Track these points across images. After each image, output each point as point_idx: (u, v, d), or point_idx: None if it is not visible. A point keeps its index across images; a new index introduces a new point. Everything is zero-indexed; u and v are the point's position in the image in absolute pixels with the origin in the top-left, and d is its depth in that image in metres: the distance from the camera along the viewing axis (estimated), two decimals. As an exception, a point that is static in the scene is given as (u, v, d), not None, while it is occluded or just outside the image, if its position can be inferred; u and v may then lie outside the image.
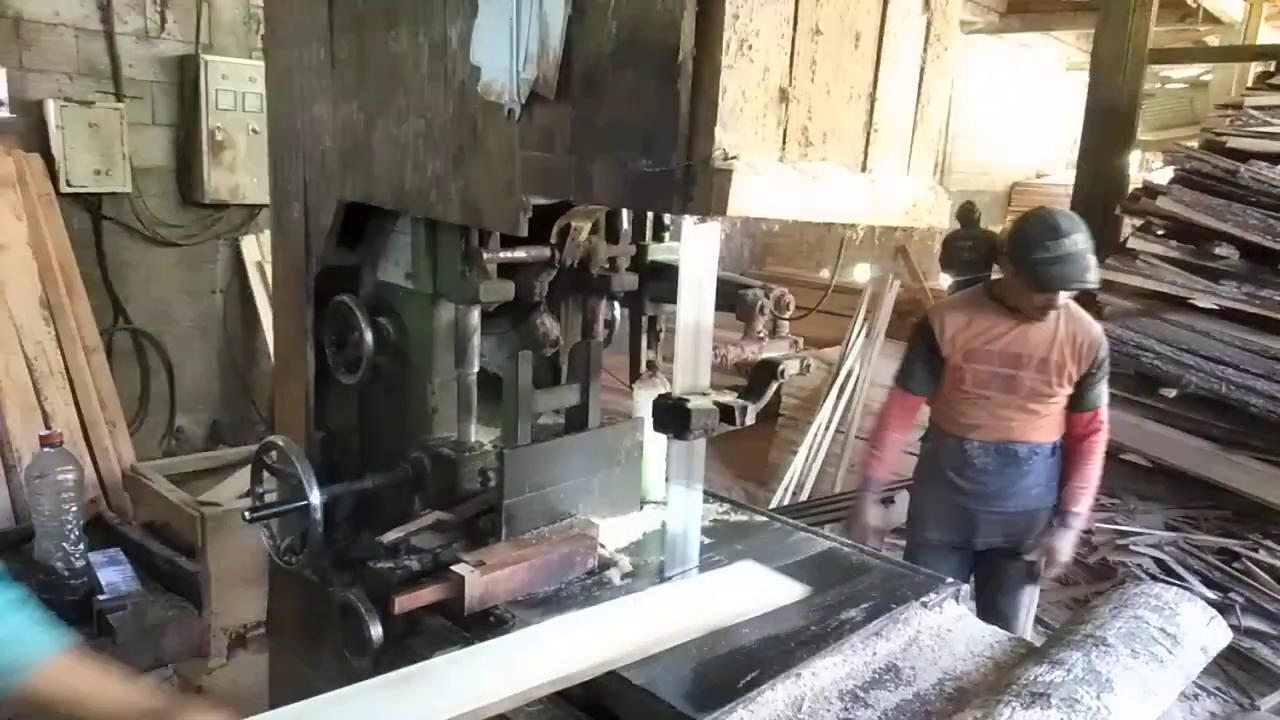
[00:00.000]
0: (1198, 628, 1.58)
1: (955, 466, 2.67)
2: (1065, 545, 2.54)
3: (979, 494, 2.66)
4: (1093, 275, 2.45)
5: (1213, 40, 8.96)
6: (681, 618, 1.58)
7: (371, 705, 1.32)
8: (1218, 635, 1.62)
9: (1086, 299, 3.00)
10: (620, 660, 1.45)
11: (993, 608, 2.69)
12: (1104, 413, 2.63)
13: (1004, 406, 2.58)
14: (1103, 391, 2.60)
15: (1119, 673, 1.41)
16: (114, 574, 2.41)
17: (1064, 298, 2.48)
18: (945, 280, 7.92)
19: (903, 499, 3.37)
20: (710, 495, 2.10)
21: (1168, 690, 1.44)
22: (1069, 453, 2.66)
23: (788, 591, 1.71)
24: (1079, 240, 2.42)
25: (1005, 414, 2.58)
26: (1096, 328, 2.59)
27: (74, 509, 2.21)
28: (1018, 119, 11.90)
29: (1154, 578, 3.98)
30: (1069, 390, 2.58)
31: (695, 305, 1.61)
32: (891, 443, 2.77)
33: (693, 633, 1.55)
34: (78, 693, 1.24)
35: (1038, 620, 3.65)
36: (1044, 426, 2.62)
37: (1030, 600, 2.76)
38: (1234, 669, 3.56)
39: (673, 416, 1.58)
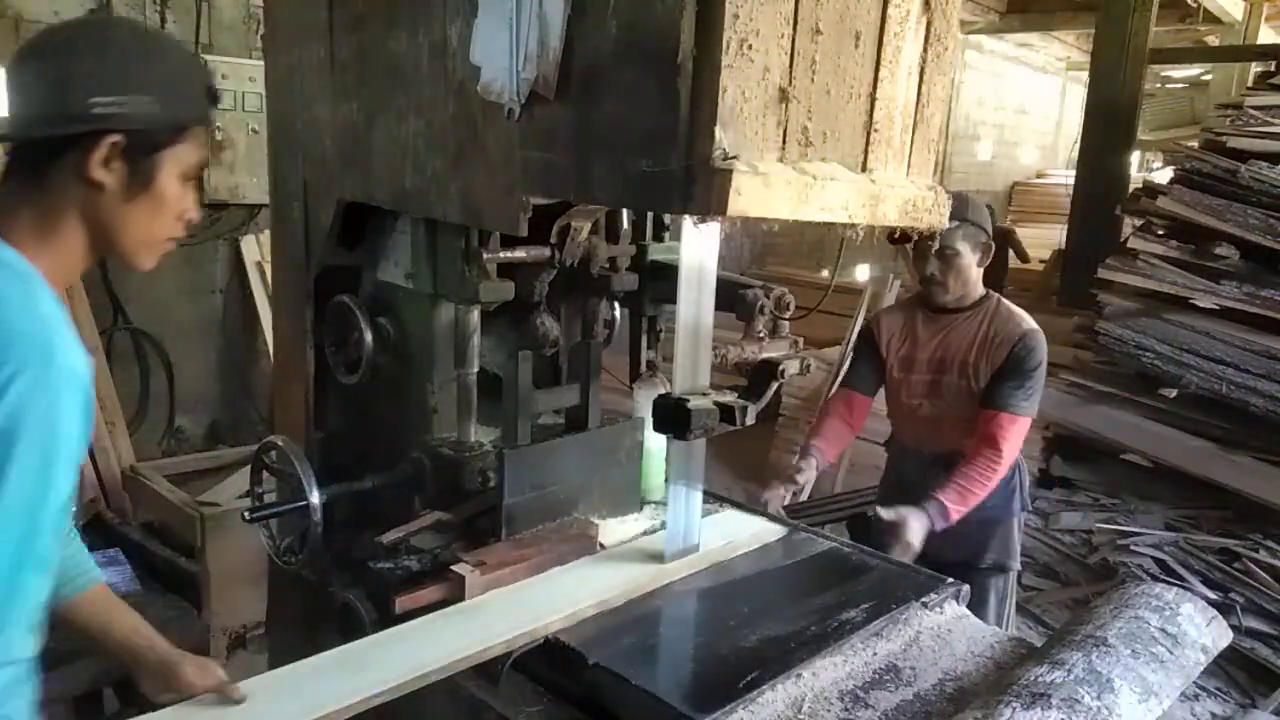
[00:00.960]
0: (1198, 628, 1.57)
1: (907, 479, 2.60)
2: (916, 528, 2.20)
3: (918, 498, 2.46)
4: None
5: (1213, 40, 8.97)
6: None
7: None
8: (1219, 635, 1.61)
9: (1089, 304, 2.92)
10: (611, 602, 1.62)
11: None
12: (1007, 422, 2.34)
13: (939, 416, 2.51)
14: (1011, 395, 2.34)
15: (1120, 673, 1.40)
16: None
17: (934, 265, 2.40)
18: None
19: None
20: (710, 495, 2.10)
21: (1168, 690, 1.43)
22: (968, 453, 2.40)
23: (771, 530, 1.87)
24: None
25: (942, 424, 2.50)
26: (1021, 327, 2.41)
27: (73, 509, 2.21)
28: (1018, 119, 11.90)
29: (1154, 578, 3.98)
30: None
31: (695, 305, 1.61)
32: (832, 433, 2.66)
33: (681, 571, 1.72)
34: (110, 620, 1.43)
35: (1037, 620, 3.66)
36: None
37: (1000, 614, 2.61)
38: (1234, 669, 3.56)
39: (673, 416, 1.58)
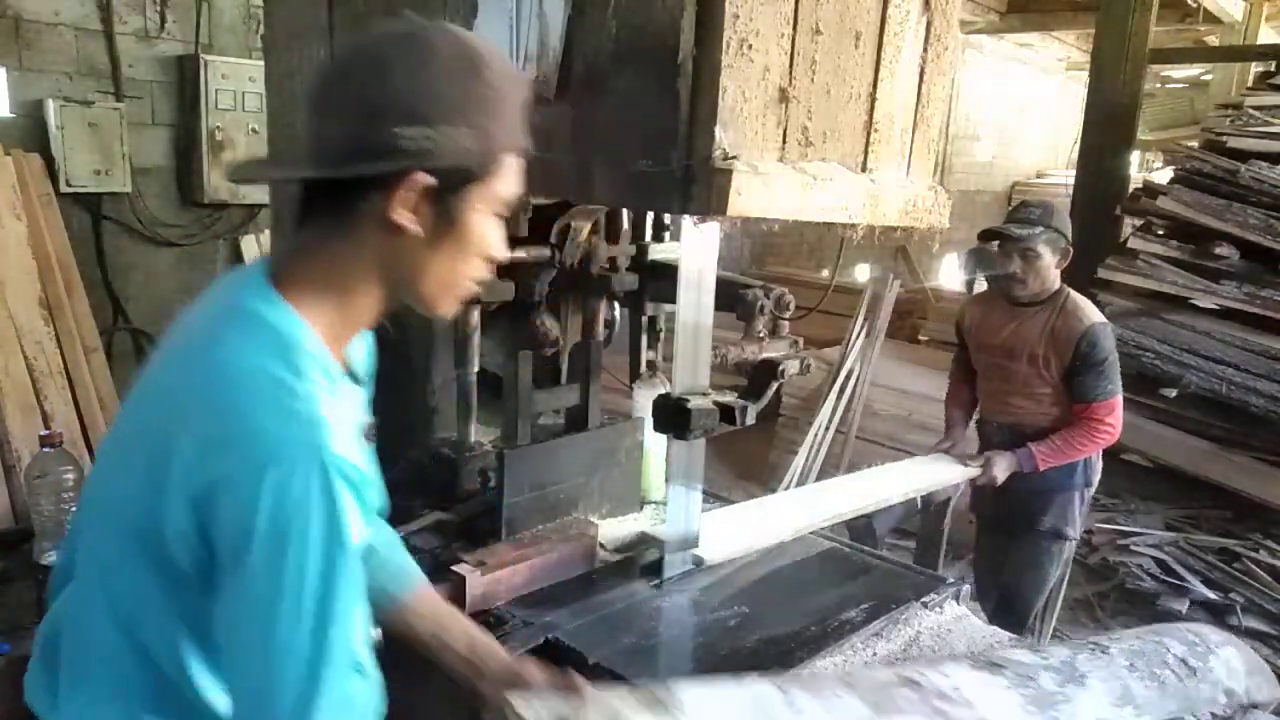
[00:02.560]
0: (1232, 673, 1.51)
1: (986, 444, 2.91)
2: (1000, 466, 2.64)
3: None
4: (1016, 229, 2.68)
5: (1213, 40, 8.96)
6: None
7: None
8: (1258, 688, 1.53)
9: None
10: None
11: (1011, 583, 2.85)
12: (1102, 410, 2.65)
13: (1009, 393, 2.80)
14: (1094, 386, 2.64)
15: (1102, 676, 1.37)
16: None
17: (1017, 264, 2.69)
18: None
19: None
20: (710, 495, 2.10)
21: (1156, 709, 1.40)
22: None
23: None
24: (1028, 213, 2.74)
25: (1012, 400, 2.80)
26: (1083, 323, 2.66)
27: (73, 509, 2.21)
28: (1018, 119, 11.90)
29: (1154, 578, 3.98)
30: (1060, 382, 2.71)
31: (695, 305, 1.61)
32: (958, 399, 3.05)
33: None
34: (445, 631, 1.32)
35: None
36: (1050, 414, 2.75)
37: (1047, 579, 2.85)
38: (1234, 669, 3.56)
39: (673, 416, 1.58)
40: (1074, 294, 2.78)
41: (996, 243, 2.74)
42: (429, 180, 0.94)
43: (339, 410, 0.95)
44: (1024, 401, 2.77)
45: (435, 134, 0.93)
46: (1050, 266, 2.73)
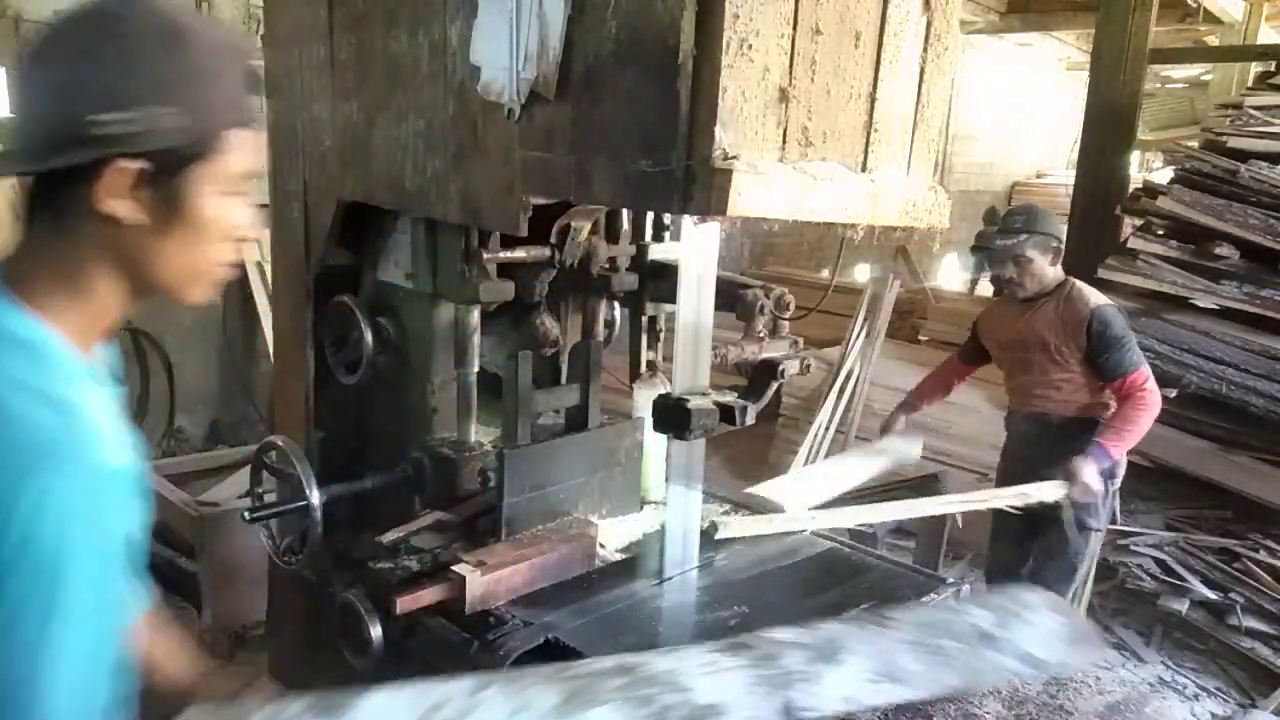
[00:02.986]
0: (1043, 641, 1.37)
1: (1013, 435, 3.12)
2: (1086, 469, 2.62)
3: (1028, 458, 2.96)
4: (1000, 241, 2.87)
5: (1213, 40, 8.96)
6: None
7: None
8: (1072, 656, 1.43)
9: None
10: None
11: (1040, 573, 2.90)
12: (1137, 378, 2.75)
13: (1029, 384, 2.98)
14: (1120, 360, 2.75)
15: (867, 650, 1.28)
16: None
17: (1010, 270, 2.87)
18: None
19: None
20: (710, 495, 2.10)
21: (924, 681, 1.29)
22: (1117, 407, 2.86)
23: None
24: (1012, 222, 2.90)
25: (1033, 390, 2.96)
26: (1087, 307, 2.82)
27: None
28: (1018, 119, 11.90)
29: (1154, 577, 3.98)
30: (1080, 366, 2.86)
31: (695, 305, 1.62)
32: (927, 388, 3.27)
33: None
34: (151, 659, 1.26)
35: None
36: (1071, 400, 2.90)
37: (1075, 568, 2.91)
38: (1234, 669, 3.56)
39: (673, 416, 1.58)
40: (1078, 283, 2.95)
41: (986, 255, 2.99)
42: (137, 166, 0.88)
43: (101, 414, 0.91)
44: (1045, 390, 2.92)
45: (136, 116, 0.87)
46: (1044, 267, 2.88)
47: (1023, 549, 2.99)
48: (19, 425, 0.85)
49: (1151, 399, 2.76)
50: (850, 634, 1.32)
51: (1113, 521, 4.49)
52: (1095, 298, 2.89)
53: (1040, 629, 1.38)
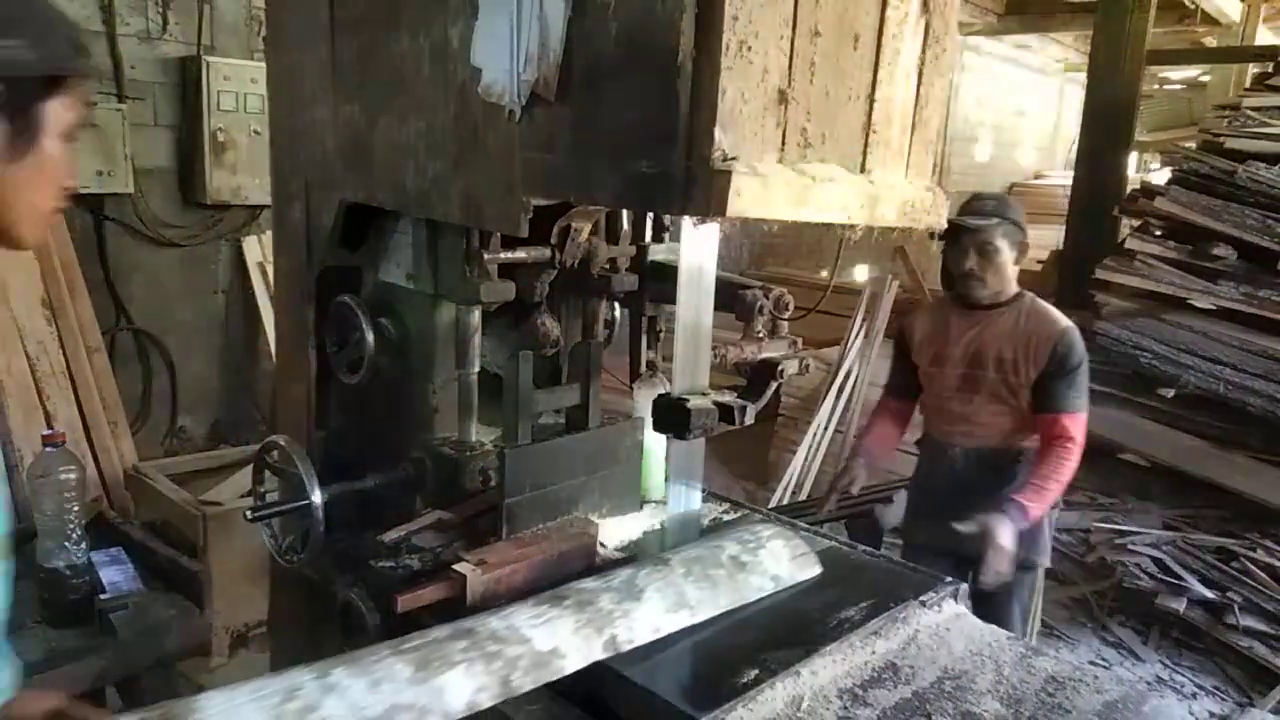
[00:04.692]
0: (778, 561, 1.72)
1: (939, 470, 2.65)
2: (1001, 531, 2.23)
3: (962, 497, 2.54)
4: (972, 220, 2.45)
5: (1210, 41, 8.98)
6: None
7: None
8: (800, 570, 1.75)
9: (1086, 304, 2.99)
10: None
11: (984, 617, 2.64)
12: (1074, 422, 2.43)
13: (974, 410, 2.57)
14: (1065, 395, 2.43)
15: (658, 586, 1.52)
16: (116, 573, 2.41)
17: (973, 260, 2.49)
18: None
19: (901, 500, 3.37)
20: (710, 495, 2.11)
21: (709, 606, 1.57)
22: (1038, 453, 2.50)
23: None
24: (983, 205, 2.51)
25: (977, 418, 2.57)
26: (1057, 326, 2.48)
27: (76, 508, 2.21)
28: (1016, 120, 11.91)
29: (1151, 577, 3.99)
30: (1026, 390, 2.52)
31: (694, 305, 1.62)
32: (878, 435, 2.79)
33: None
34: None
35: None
36: (1017, 430, 2.57)
37: (1024, 609, 2.65)
38: (1232, 668, 3.57)
39: (672, 416, 1.59)
40: (1038, 298, 2.59)
41: (945, 241, 2.50)
42: None
43: None
44: (992, 418, 2.54)
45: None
46: (1009, 263, 2.53)
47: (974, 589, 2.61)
48: None
49: (1077, 451, 2.41)
50: (641, 574, 1.55)
51: (1085, 530, 4.47)
52: (1063, 317, 2.54)
53: (777, 553, 1.72)
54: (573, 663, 1.37)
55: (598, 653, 1.41)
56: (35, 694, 1.18)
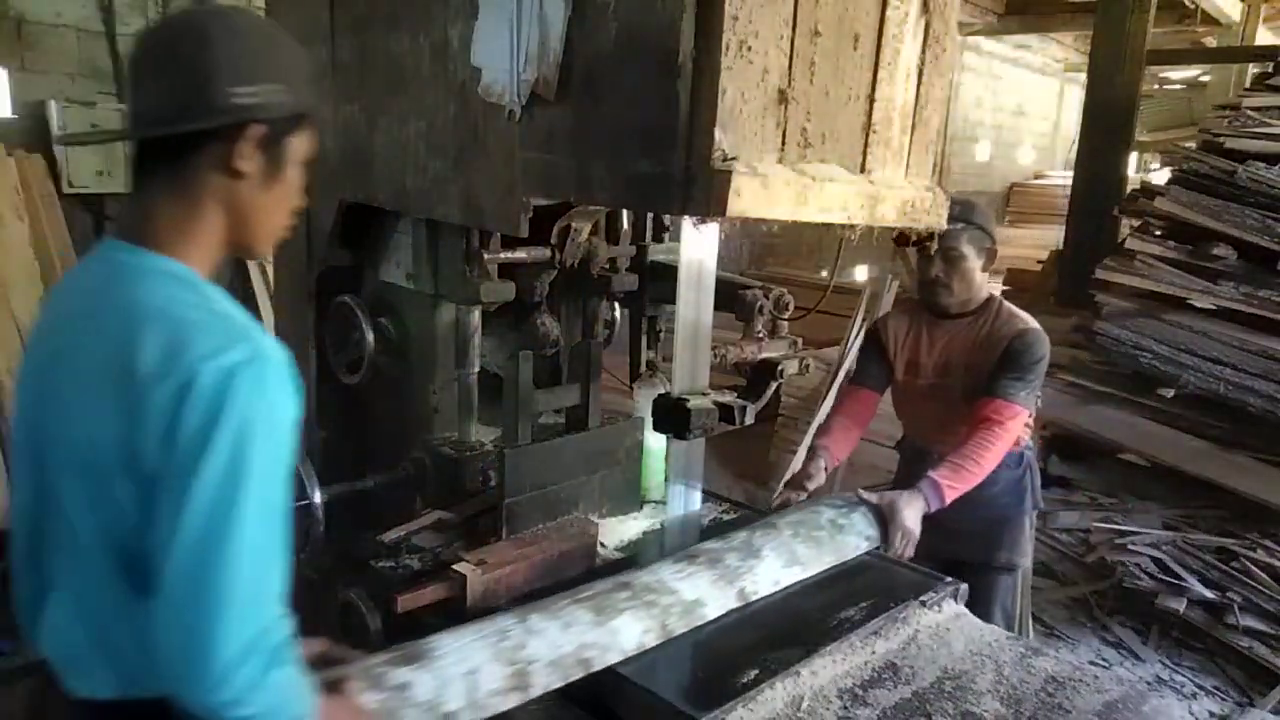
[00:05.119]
0: (869, 524, 1.98)
1: (918, 476, 2.45)
2: (908, 511, 2.07)
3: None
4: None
5: (1210, 41, 8.98)
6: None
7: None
8: (879, 534, 1.99)
9: (1086, 304, 2.92)
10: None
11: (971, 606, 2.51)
12: (1009, 409, 2.31)
13: (945, 419, 2.49)
14: (1007, 384, 2.32)
15: (773, 545, 1.76)
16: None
17: (939, 267, 2.39)
18: None
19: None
20: (710, 495, 2.11)
21: (816, 562, 1.82)
22: (963, 435, 2.35)
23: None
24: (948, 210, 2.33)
25: (951, 425, 2.45)
26: (1016, 327, 2.40)
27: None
28: (1015, 120, 11.91)
29: (1151, 577, 3.99)
30: None
31: (695, 305, 1.62)
32: (838, 435, 2.61)
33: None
34: None
35: (1035, 619, 3.66)
36: None
37: (1006, 613, 2.58)
38: (1232, 668, 3.57)
39: (672, 416, 1.59)
40: (1007, 303, 2.49)
41: (913, 247, 2.25)
42: (262, 130, 1.11)
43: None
44: (959, 424, 2.40)
45: (260, 90, 1.10)
46: (976, 270, 2.43)
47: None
48: (192, 328, 1.03)
49: (1001, 437, 2.28)
50: (756, 536, 1.78)
51: (1085, 530, 4.45)
52: (1028, 320, 2.44)
53: (864, 515, 1.98)
54: (712, 611, 1.60)
55: (732, 602, 1.63)
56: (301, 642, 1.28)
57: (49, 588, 1.17)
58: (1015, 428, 2.33)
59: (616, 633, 1.46)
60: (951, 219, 2.26)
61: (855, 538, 1.92)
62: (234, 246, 1.18)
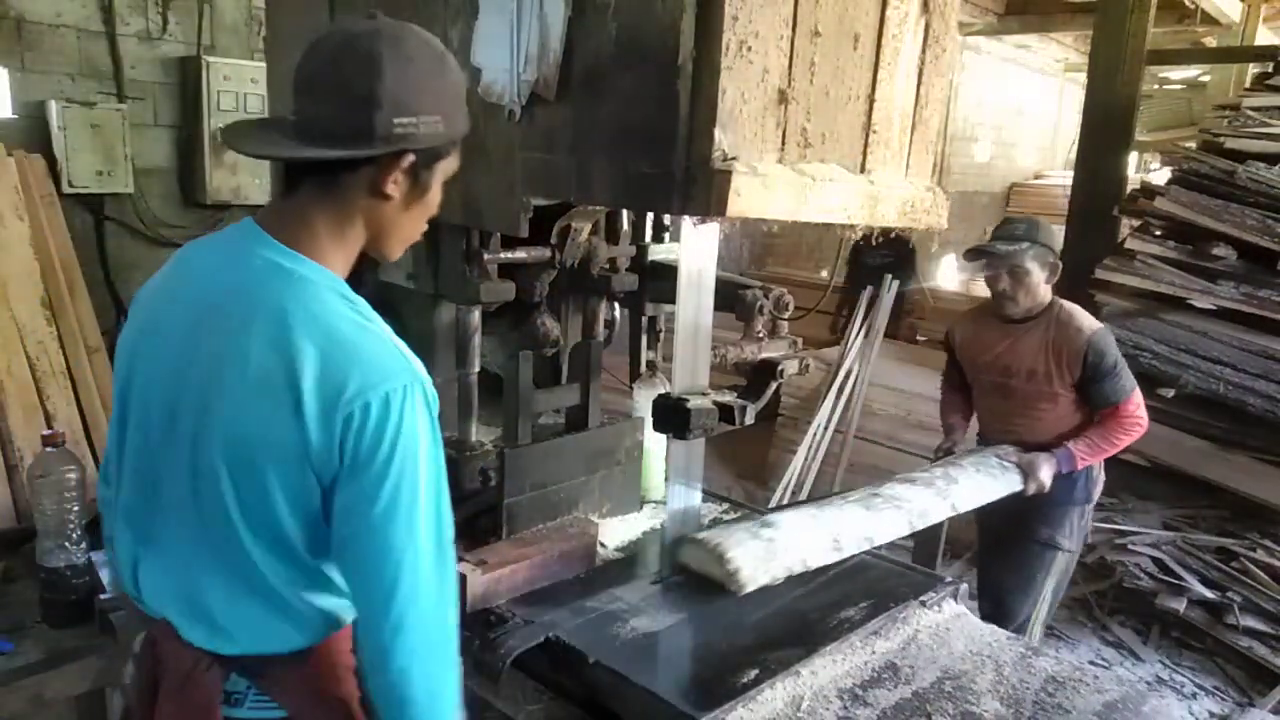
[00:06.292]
0: (1015, 474, 2.57)
1: None
2: (1044, 469, 2.57)
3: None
4: (1002, 245, 2.65)
5: (1210, 41, 8.97)
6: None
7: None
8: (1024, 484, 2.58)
9: (1086, 304, 3.04)
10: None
11: (1000, 586, 2.81)
12: (1128, 405, 2.64)
13: (1009, 412, 2.77)
14: (1111, 389, 2.62)
15: (964, 477, 2.36)
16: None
17: (1005, 281, 2.66)
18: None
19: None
20: (710, 495, 2.11)
21: (994, 490, 2.45)
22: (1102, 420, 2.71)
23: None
24: (1013, 229, 2.72)
25: (1013, 419, 2.75)
26: (1082, 335, 2.62)
27: (76, 508, 2.21)
28: (1016, 120, 11.91)
29: (1151, 577, 3.99)
30: (1069, 393, 2.67)
31: (695, 305, 1.62)
32: (957, 417, 3.02)
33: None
34: None
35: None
36: (1053, 428, 2.70)
37: (1038, 590, 2.78)
38: (1233, 668, 3.57)
39: (672, 416, 1.59)
40: (1066, 304, 2.75)
41: (983, 261, 2.68)
42: (413, 159, 1.16)
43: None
44: (1023, 420, 2.72)
45: (419, 122, 1.15)
46: (1040, 283, 2.69)
47: (997, 560, 2.86)
48: (352, 349, 1.13)
49: (1136, 426, 2.65)
50: (951, 468, 2.42)
51: (1088, 546, 4.48)
52: (1089, 321, 2.70)
53: (1015, 467, 2.59)
54: (933, 518, 2.13)
55: (946, 512, 2.19)
56: None
57: (157, 553, 1.24)
58: (1139, 411, 2.66)
59: (880, 523, 1.95)
60: (1016, 238, 2.66)
61: (1017, 475, 2.54)
62: (370, 251, 1.26)
